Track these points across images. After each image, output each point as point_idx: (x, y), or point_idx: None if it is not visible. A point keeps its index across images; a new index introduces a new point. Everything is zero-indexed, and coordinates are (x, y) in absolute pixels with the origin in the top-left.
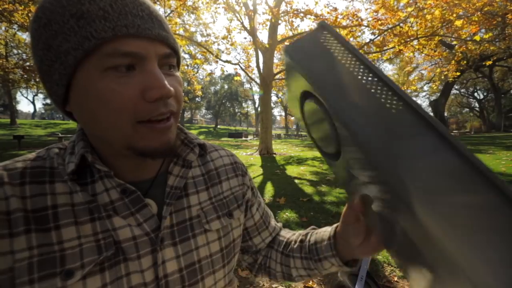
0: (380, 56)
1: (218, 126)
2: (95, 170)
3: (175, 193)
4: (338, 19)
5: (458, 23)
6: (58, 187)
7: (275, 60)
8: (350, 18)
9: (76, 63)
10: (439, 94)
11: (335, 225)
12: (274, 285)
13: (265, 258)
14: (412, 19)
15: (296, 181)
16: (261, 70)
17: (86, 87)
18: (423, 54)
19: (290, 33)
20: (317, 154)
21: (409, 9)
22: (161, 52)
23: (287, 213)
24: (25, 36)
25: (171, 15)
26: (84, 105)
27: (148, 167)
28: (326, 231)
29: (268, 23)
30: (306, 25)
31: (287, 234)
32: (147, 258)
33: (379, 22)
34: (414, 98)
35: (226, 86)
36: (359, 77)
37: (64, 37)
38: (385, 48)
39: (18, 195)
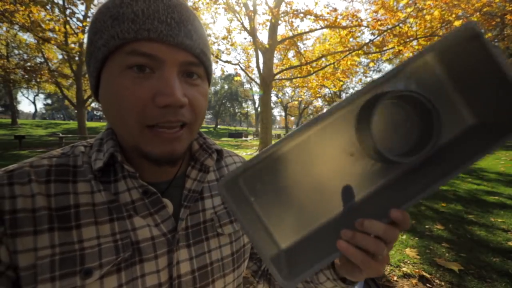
0: (379, 56)
1: (218, 126)
2: (119, 170)
3: (192, 196)
4: (338, 20)
5: (457, 23)
6: (80, 187)
7: (275, 60)
8: (350, 18)
9: (104, 59)
10: None
11: None
12: None
13: None
14: (411, 20)
15: None
16: (261, 70)
17: (108, 82)
18: None
19: (290, 33)
20: None
21: (409, 10)
22: (182, 59)
23: None
24: (26, 37)
25: None
26: (105, 98)
27: (167, 169)
28: None
29: (268, 23)
30: (306, 25)
31: None
32: (163, 258)
33: (379, 23)
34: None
35: (226, 86)
36: None
37: (100, 35)
38: (384, 48)
39: (44, 193)
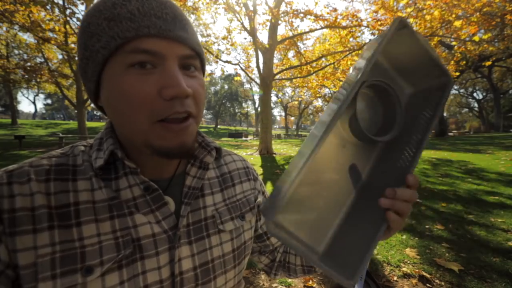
0: None
1: (218, 126)
2: (120, 167)
3: (193, 193)
4: (338, 20)
5: (457, 23)
6: (80, 185)
7: (275, 60)
8: (350, 18)
9: (104, 61)
10: None
11: None
12: (274, 285)
13: (284, 254)
14: (411, 20)
15: None
16: (261, 70)
17: (111, 83)
18: None
19: (290, 33)
20: None
21: (409, 10)
22: (181, 53)
23: None
24: (26, 37)
25: None
26: (109, 99)
27: (168, 166)
28: None
29: (268, 23)
30: (306, 25)
31: None
32: (164, 255)
33: (379, 23)
34: None
35: (226, 86)
36: None
37: (97, 38)
38: None
39: (43, 192)
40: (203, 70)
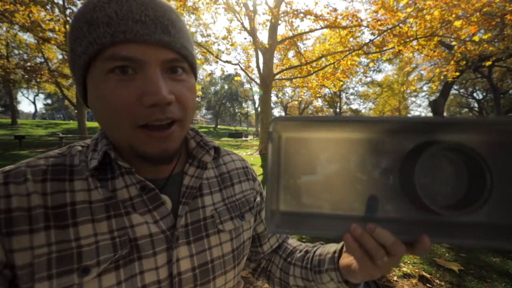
0: (379, 56)
1: (218, 126)
2: (116, 167)
3: (191, 193)
4: (338, 20)
5: (457, 23)
6: (77, 185)
7: (275, 60)
8: (350, 18)
9: (85, 66)
10: (438, 94)
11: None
12: None
13: (267, 262)
14: (411, 20)
15: None
16: (261, 70)
17: (93, 87)
18: (422, 55)
19: (290, 33)
20: None
21: (409, 10)
22: (163, 57)
23: None
24: (26, 37)
25: None
26: (93, 103)
27: (163, 167)
28: (333, 246)
29: (268, 23)
30: (306, 25)
31: (294, 243)
32: (162, 255)
33: (379, 23)
34: (413, 98)
35: (226, 86)
36: None
37: (79, 42)
38: (384, 48)
39: (40, 192)
40: (194, 72)
